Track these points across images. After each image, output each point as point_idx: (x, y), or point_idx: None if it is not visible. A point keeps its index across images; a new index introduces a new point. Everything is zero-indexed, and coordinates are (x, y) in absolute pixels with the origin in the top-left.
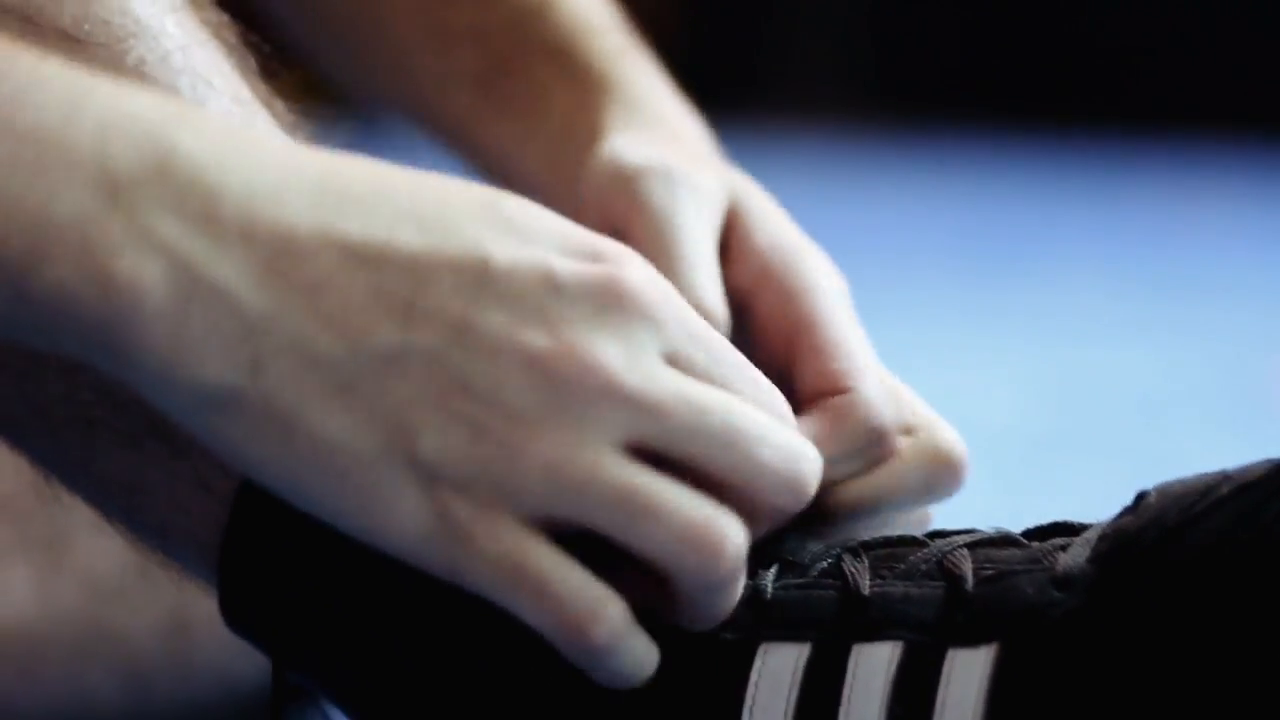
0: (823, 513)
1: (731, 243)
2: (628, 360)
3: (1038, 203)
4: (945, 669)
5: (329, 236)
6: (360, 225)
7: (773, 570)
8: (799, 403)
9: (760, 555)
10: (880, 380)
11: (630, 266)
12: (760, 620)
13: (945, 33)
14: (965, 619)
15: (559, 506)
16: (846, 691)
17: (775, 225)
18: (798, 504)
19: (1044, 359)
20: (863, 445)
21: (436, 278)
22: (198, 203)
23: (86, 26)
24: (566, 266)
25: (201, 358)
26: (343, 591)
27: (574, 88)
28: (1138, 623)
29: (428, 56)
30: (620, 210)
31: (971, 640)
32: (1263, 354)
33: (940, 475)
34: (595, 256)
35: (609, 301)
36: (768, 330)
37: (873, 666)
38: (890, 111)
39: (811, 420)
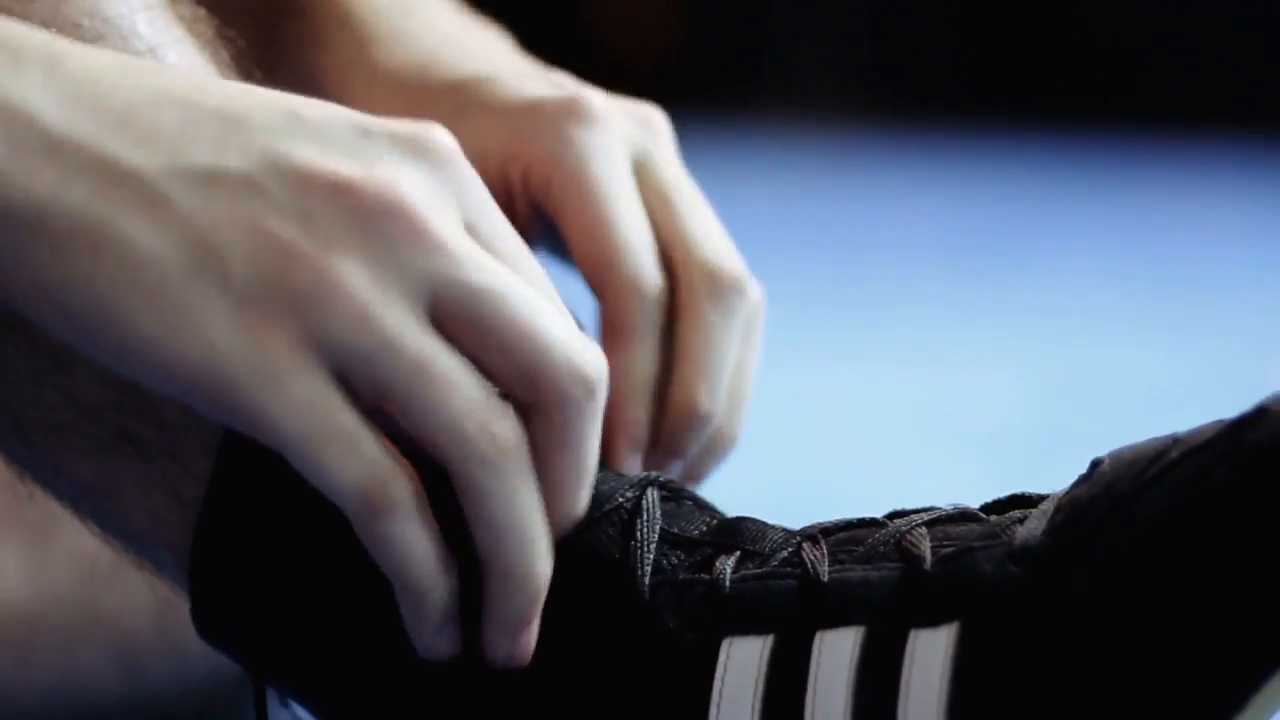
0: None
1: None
2: (438, 208)
3: (1039, 200)
4: (908, 651)
5: (139, 79)
6: (171, 80)
7: (732, 559)
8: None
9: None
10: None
11: (438, 130)
12: (721, 614)
13: (946, 31)
14: (925, 599)
15: (359, 355)
16: (811, 680)
17: (517, 88)
18: (586, 394)
19: (1045, 356)
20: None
21: (247, 116)
22: (4, 52)
23: (55, 29)
24: (375, 121)
25: (6, 172)
26: (311, 601)
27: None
28: (1093, 593)
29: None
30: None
31: (932, 620)
32: (1265, 351)
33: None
34: (400, 124)
35: (419, 150)
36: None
37: (836, 653)
38: (891, 109)
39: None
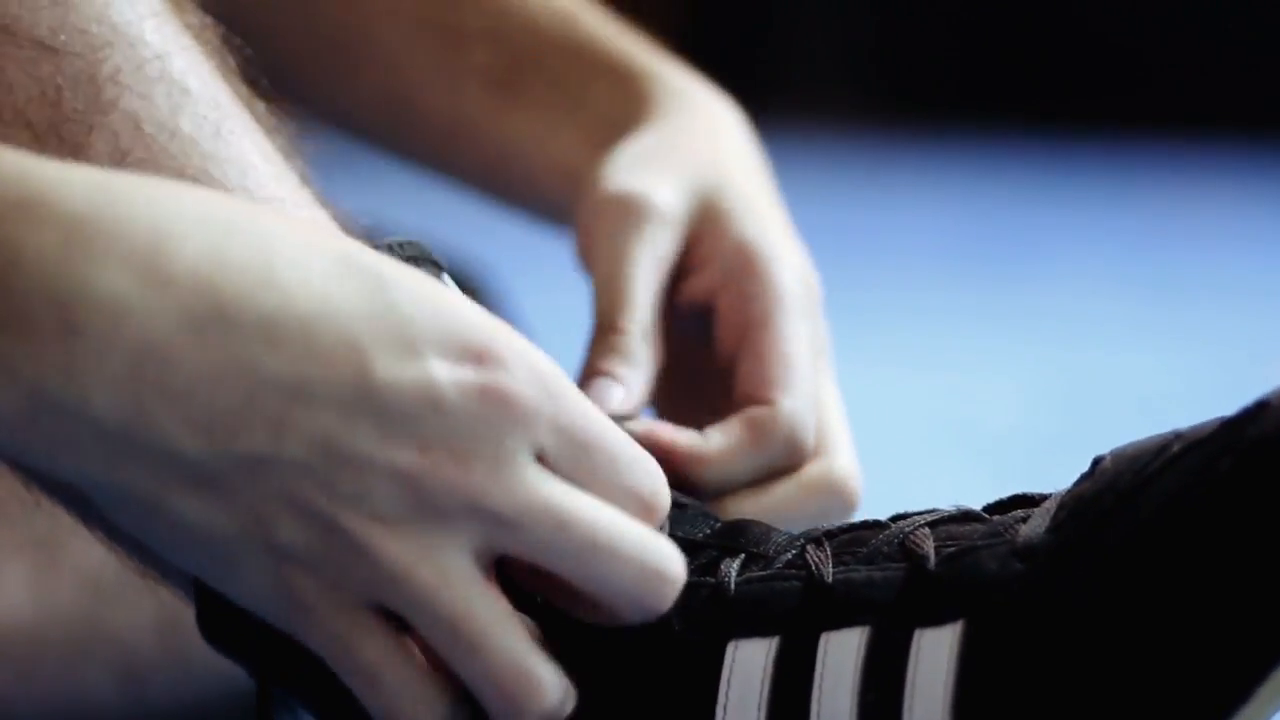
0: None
1: (702, 243)
2: (493, 470)
3: (1041, 205)
4: (913, 650)
5: (202, 347)
6: (235, 338)
7: (737, 562)
8: (734, 404)
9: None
10: (808, 395)
11: (512, 367)
12: (726, 617)
13: (949, 35)
14: (929, 598)
15: (398, 607)
16: (817, 681)
17: (751, 224)
18: (648, 616)
19: (1046, 361)
20: (769, 461)
21: (310, 394)
22: (56, 323)
23: (63, 36)
24: (448, 378)
25: (52, 456)
26: None
27: (612, 78)
28: (1098, 589)
29: (432, 55)
30: (586, 239)
31: (937, 619)
32: (1265, 356)
33: (831, 505)
34: (478, 358)
35: (486, 411)
36: (725, 330)
37: (842, 654)
38: (893, 114)
39: (729, 427)
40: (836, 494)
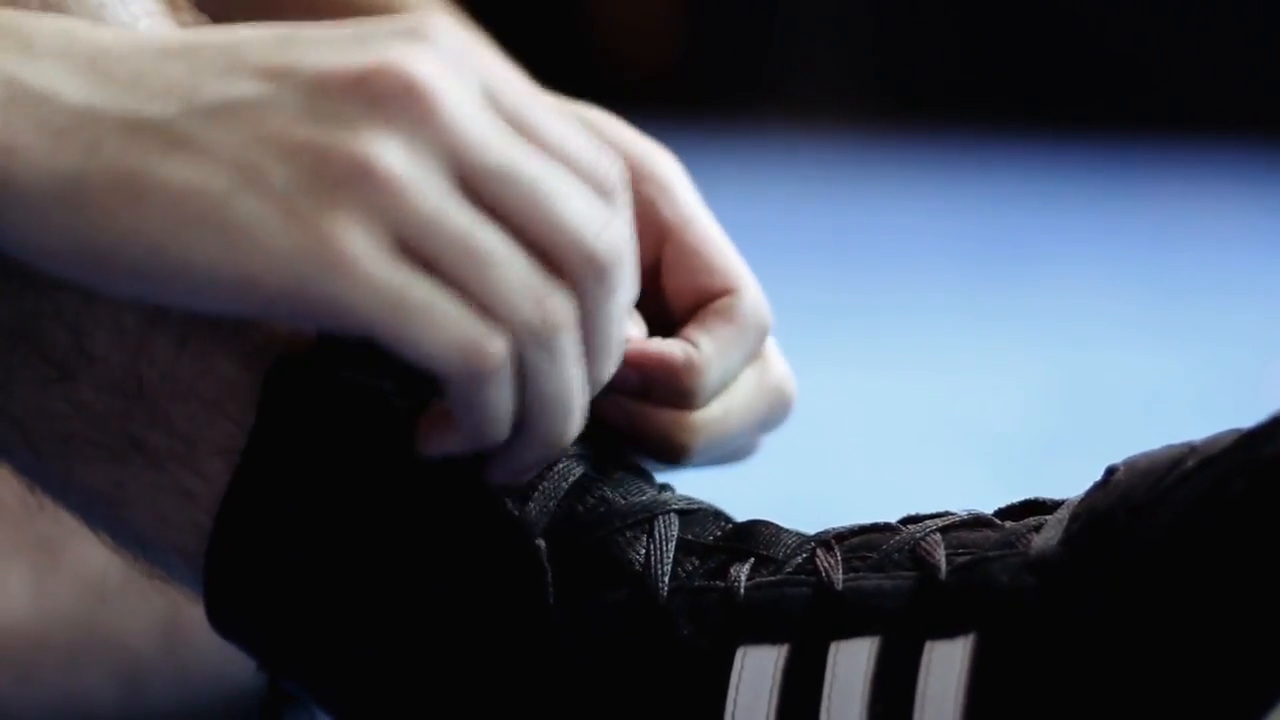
0: (673, 446)
1: None
2: (454, 87)
3: (1041, 207)
4: (924, 662)
5: (141, 44)
6: (169, 38)
7: (746, 566)
8: (677, 307)
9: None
10: (750, 274)
11: (438, 18)
12: (735, 622)
13: (948, 37)
14: (940, 610)
15: (413, 234)
16: (827, 691)
17: (610, 128)
18: (595, 277)
19: (1048, 362)
20: (751, 349)
21: (245, 45)
22: (13, 39)
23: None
24: (373, 23)
25: (34, 152)
26: (328, 597)
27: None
28: (1111, 605)
29: None
30: None
31: (948, 632)
32: (1268, 357)
33: (778, 411)
34: (405, 20)
35: (424, 37)
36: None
37: (851, 664)
38: (894, 116)
39: (707, 327)
40: (781, 393)
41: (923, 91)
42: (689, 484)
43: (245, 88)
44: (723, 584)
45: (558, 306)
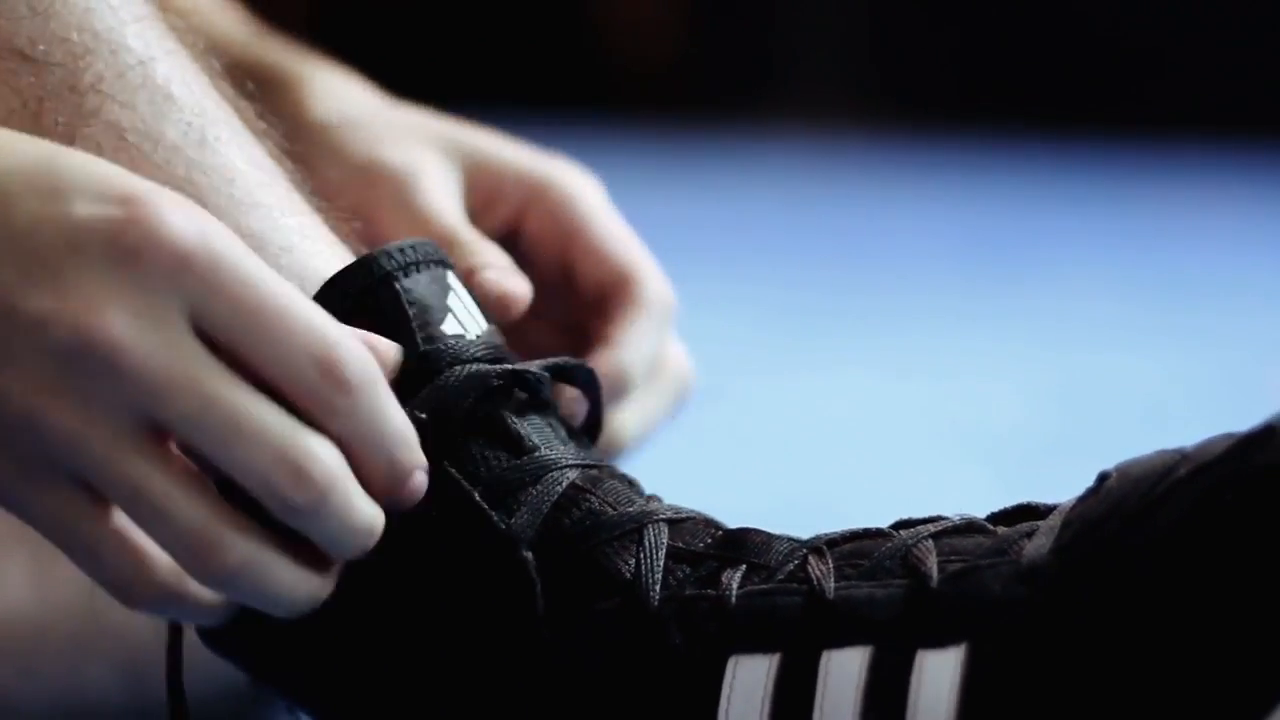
0: (615, 445)
1: (481, 189)
2: (139, 329)
3: (1041, 208)
4: (915, 672)
5: None
6: None
7: (738, 574)
8: (584, 303)
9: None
10: (649, 259)
11: (164, 210)
12: (727, 631)
13: (949, 38)
14: (932, 619)
15: (87, 478)
16: (818, 701)
17: (514, 155)
18: (290, 510)
19: (1048, 364)
20: (661, 322)
21: None
22: None
23: (42, 46)
24: (88, 215)
25: None
26: (317, 609)
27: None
28: (1103, 616)
29: None
30: (373, 212)
31: (940, 641)
32: (1268, 359)
33: (686, 396)
34: (126, 202)
35: (127, 254)
36: (541, 246)
37: (843, 673)
38: (894, 117)
39: (619, 316)
40: (685, 377)
41: (923, 92)
42: (686, 488)
43: None
44: (714, 592)
45: (228, 549)
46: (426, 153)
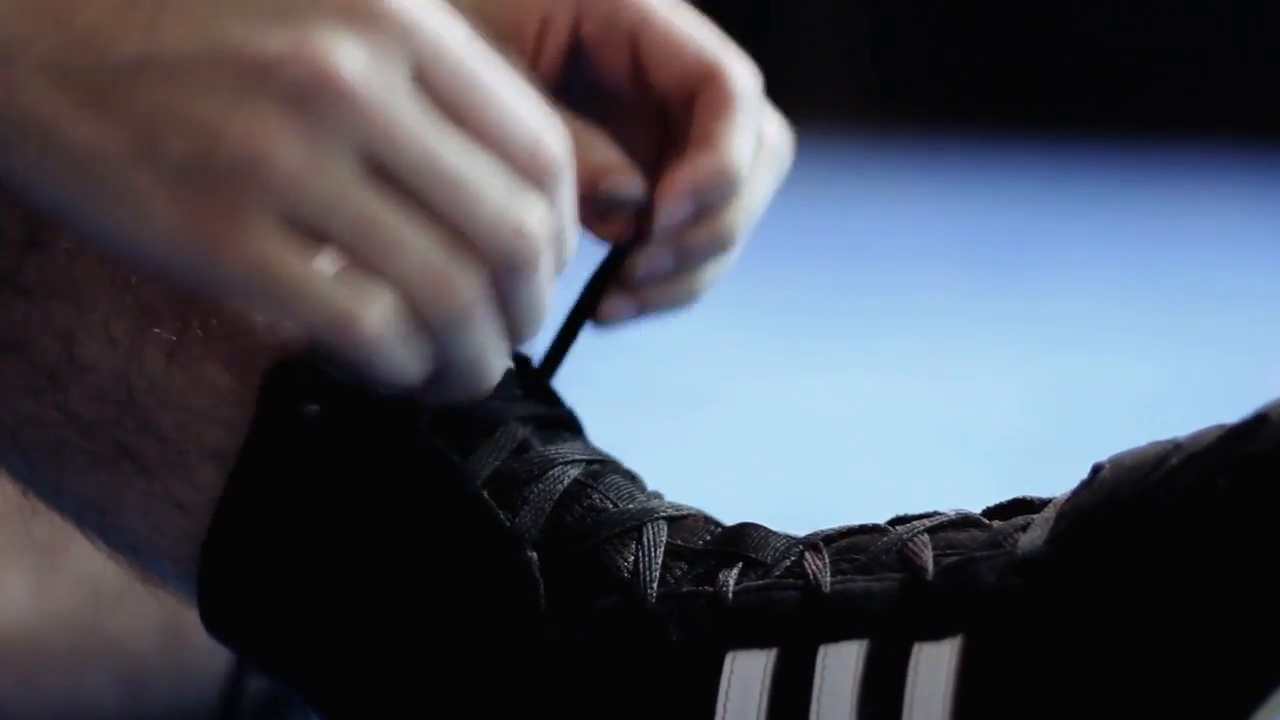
0: (728, 239)
1: (533, 8)
2: (370, 71)
3: (1040, 210)
4: (911, 665)
5: None
6: None
7: (735, 570)
8: (670, 100)
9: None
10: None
11: None
12: (724, 626)
13: (947, 39)
14: (928, 611)
15: (306, 218)
16: (815, 695)
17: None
18: (509, 267)
19: (1046, 366)
20: (756, 114)
21: (181, 6)
22: None
23: None
24: None
25: None
26: (322, 602)
27: None
28: (1098, 605)
29: None
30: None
31: (935, 634)
32: (1267, 361)
33: (785, 164)
34: None
35: (354, 12)
36: (605, 55)
37: (840, 667)
38: (891, 118)
39: (707, 118)
40: (783, 149)
41: (921, 94)
42: (685, 489)
43: (165, 46)
44: (711, 589)
45: (461, 287)
46: None
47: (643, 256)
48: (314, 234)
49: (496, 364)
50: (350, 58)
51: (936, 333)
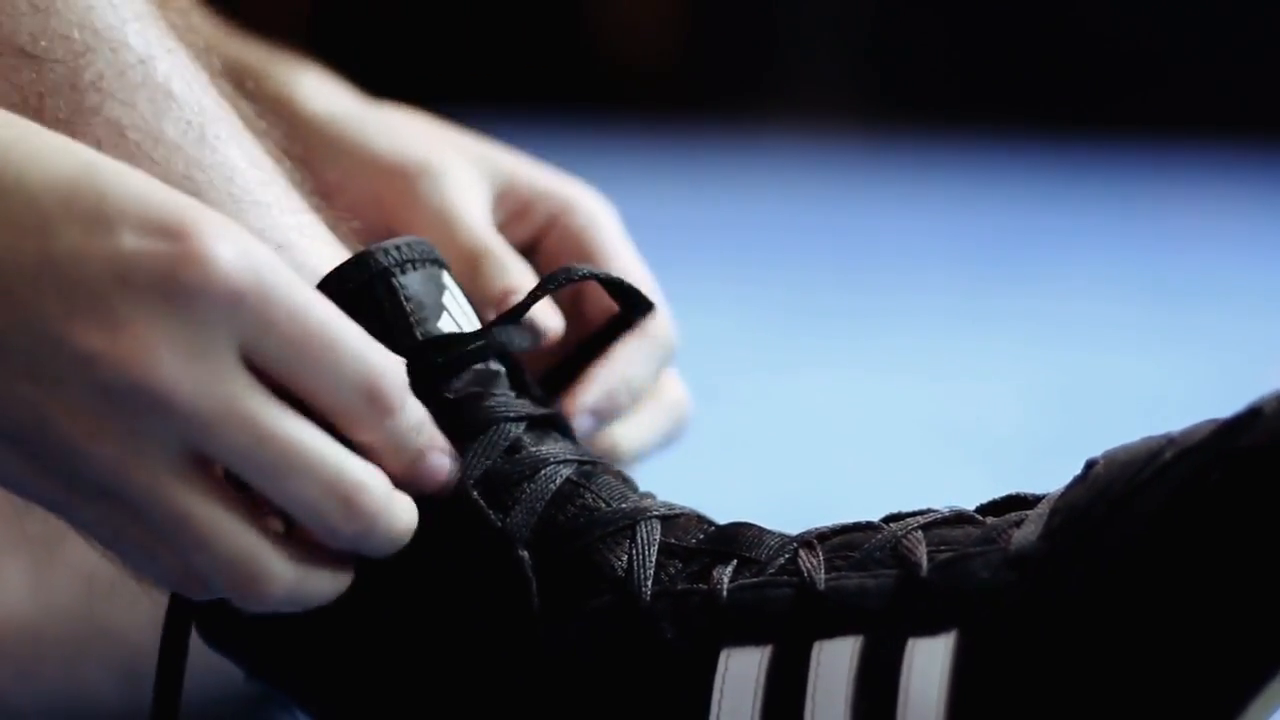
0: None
1: (508, 204)
2: (190, 367)
3: (1040, 209)
4: (906, 660)
5: None
6: None
7: (729, 568)
8: (589, 325)
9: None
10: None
11: (214, 243)
12: (718, 624)
13: (947, 39)
14: (922, 607)
15: (129, 508)
16: (810, 690)
17: (540, 174)
18: (350, 542)
19: (1045, 365)
20: (664, 357)
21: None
22: None
23: (44, 43)
24: (136, 249)
25: None
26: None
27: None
28: (1092, 599)
29: None
30: (393, 205)
31: (930, 629)
32: (1265, 360)
33: (682, 427)
34: (177, 235)
35: (179, 292)
36: (556, 265)
37: (835, 663)
38: (892, 118)
39: (629, 344)
40: (681, 409)
41: (921, 93)
42: (681, 488)
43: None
44: (705, 587)
45: (270, 582)
46: (455, 157)
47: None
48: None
49: (332, 593)
50: (167, 354)
51: (936, 331)
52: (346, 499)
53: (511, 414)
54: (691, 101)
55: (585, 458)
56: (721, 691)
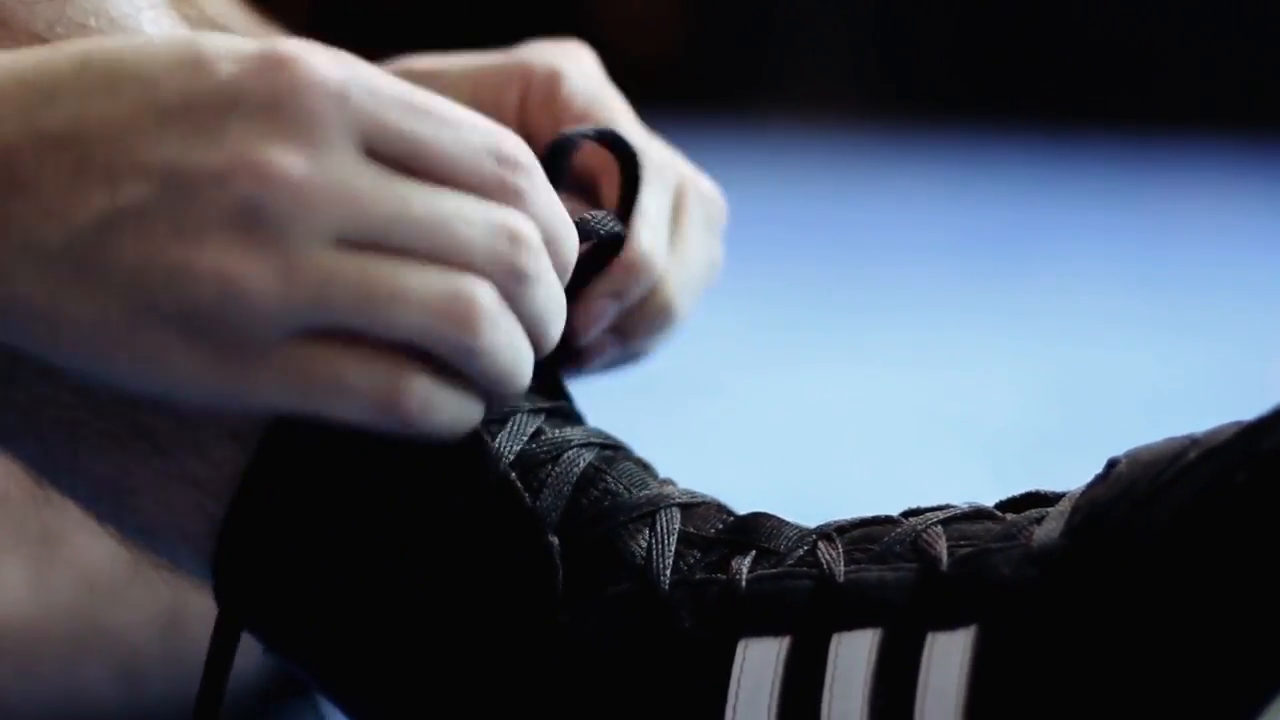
0: (669, 315)
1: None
2: (311, 160)
3: (1040, 202)
4: (925, 654)
5: (31, 130)
6: (58, 110)
7: (748, 559)
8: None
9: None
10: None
11: (308, 53)
12: (737, 614)
13: (949, 32)
14: (942, 601)
15: (304, 320)
16: (828, 682)
17: (503, 56)
18: (512, 274)
19: (1046, 358)
20: (671, 181)
21: (119, 131)
22: None
23: (59, 29)
24: (236, 69)
25: None
26: (339, 582)
27: None
28: (1113, 598)
29: None
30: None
31: (950, 623)
32: (1267, 353)
33: (721, 220)
34: (269, 57)
35: (284, 96)
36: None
37: (853, 655)
38: (894, 111)
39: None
40: (716, 200)
41: (922, 86)
42: (683, 480)
43: (124, 195)
44: (724, 577)
45: (476, 308)
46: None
47: (589, 348)
48: (321, 328)
49: (525, 371)
50: (288, 153)
51: (937, 325)
52: (511, 232)
53: (528, 406)
54: (692, 94)
55: (606, 442)
56: (739, 682)
